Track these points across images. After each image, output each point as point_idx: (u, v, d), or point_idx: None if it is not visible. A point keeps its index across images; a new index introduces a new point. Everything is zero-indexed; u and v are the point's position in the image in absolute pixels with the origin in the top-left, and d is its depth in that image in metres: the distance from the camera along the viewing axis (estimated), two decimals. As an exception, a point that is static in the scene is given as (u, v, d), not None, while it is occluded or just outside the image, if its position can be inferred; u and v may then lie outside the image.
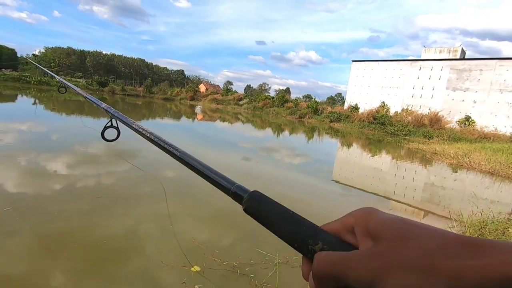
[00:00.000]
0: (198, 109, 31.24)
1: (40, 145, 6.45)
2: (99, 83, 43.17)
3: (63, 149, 6.21)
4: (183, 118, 19.80)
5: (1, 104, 15.41)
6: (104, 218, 3.18)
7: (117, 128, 0.84)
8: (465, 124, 24.73)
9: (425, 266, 0.19)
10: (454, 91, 26.57)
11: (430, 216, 4.73)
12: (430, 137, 20.94)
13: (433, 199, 5.87)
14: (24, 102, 17.97)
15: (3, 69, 43.86)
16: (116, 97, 34.84)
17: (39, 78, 39.08)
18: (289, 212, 0.33)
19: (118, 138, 0.85)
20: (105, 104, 0.88)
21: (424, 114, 24.72)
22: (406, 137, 21.66)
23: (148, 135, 0.59)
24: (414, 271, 0.19)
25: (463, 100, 26.12)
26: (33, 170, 4.55)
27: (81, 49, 72.91)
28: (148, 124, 13.92)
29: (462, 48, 28.27)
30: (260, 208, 0.35)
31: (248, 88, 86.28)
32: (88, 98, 1.07)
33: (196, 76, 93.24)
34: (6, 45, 62.96)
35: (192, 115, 23.17)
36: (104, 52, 76.87)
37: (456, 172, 9.01)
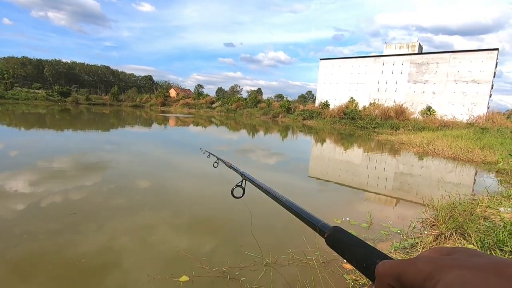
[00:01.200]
0: (172, 117, 30.52)
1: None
2: (60, 93, 40.75)
3: (24, 165, 5.76)
4: (155, 125, 19.24)
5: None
6: (80, 235, 2.99)
7: (243, 189, 1.01)
8: (426, 114, 26.41)
9: (489, 268, 0.21)
10: (415, 83, 28.28)
11: (402, 203, 4.98)
12: (396, 128, 22.08)
13: (403, 186, 6.18)
14: (-25, 118, 16.48)
15: None
16: (80, 107, 33.05)
17: (-9, 91, 36.13)
18: (362, 242, 0.39)
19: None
20: (242, 169, 1.09)
21: (390, 106, 26.05)
22: (375, 130, 22.66)
23: (273, 193, 0.76)
24: (477, 270, 0.21)
25: (423, 92, 27.87)
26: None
27: (38, 58, 68.58)
28: (118, 133, 13.35)
29: (419, 43, 30.16)
30: (338, 239, 0.43)
31: (220, 90, 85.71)
32: (232, 167, 1.26)
33: (166, 81, 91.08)
34: (-51, 57, 57.49)
35: (164, 121, 22.58)
36: (64, 61, 72.81)
37: (423, 159, 9.58)
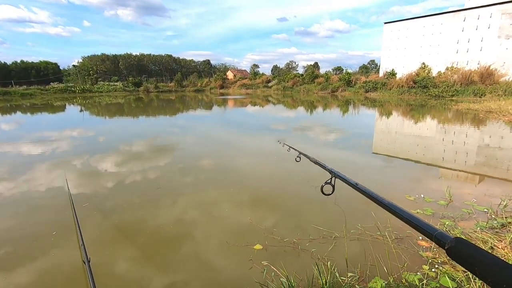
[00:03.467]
0: (230, 98, 31.53)
1: (97, 147, 7.07)
2: (134, 84, 45.44)
3: (111, 149, 6.74)
4: (215, 108, 20.19)
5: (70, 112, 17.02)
6: (167, 207, 3.46)
7: (333, 186, 1.01)
8: (524, 75, 21.88)
9: None
10: (508, 39, 23.43)
11: (488, 180, 4.37)
12: (482, 95, 19.00)
13: (489, 162, 5.38)
14: (73, 110, 19.63)
15: (51, 83, 48.04)
16: (151, 95, 36.47)
17: (82, 87, 42.26)
18: (501, 260, 0.36)
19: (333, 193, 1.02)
20: (329, 166, 1.10)
21: (473, 70, 22.34)
22: (453, 98, 19.87)
23: (363, 189, 0.76)
24: None
25: (520, 48, 22.99)
26: (93, 170, 5.03)
27: (114, 54, 76.76)
28: (183, 117, 14.45)
29: (515, -12, 24.54)
30: (465, 253, 0.40)
31: (275, 68, 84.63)
32: (318, 163, 1.34)
33: (222, 64, 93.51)
34: (50, 61, 68.71)
35: (223, 103, 23.51)
36: (134, 54, 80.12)
37: (517, 129, 8.10)
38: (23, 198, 3.82)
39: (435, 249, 2.32)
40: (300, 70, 69.31)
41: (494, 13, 23.91)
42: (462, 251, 0.40)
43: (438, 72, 25.72)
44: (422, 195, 3.47)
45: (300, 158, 1.66)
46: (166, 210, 3.35)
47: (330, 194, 1.00)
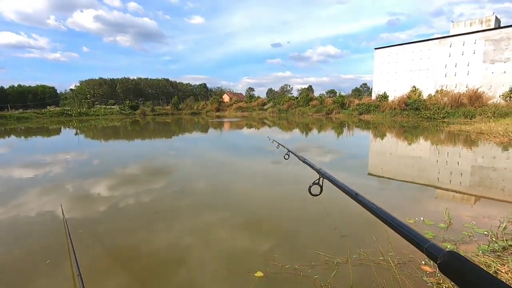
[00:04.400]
0: (226, 121, 31.79)
1: (88, 170, 6.97)
2: (130, 107, 45.78)
3: (105, 173, 6.65)
4: (211, 130, 20.30)
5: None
6: (164, 232, 3.37)
7: (321, 186, 0.99)
8: (510, 97, 22.64)
9: None
10: (493, 63, 24.50)
11: (484, 200, 4.38)
12: (472, 117, 19.49)
13: (484, 182, 5.42)
14: (69, 133, 19.54)
15: (48, 107, 48.22)
16: (147, 118, 36.67)
17: (78, 110, 42.44)
18: (491, 276, 0.34)
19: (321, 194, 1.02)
20: (317, 166, 1.10)
21: (462, 92, 23.07)
22: (445, 120, 20.32)
23: (354, 194, 0.73)
24: None
25: (504, 72, 23.99)
26: (87, 194, 4.93)
27: (111, 78, 78.03)
28: (179, 140, 14.47)
29: (496, 17, 26.08)
30: (459, 269, 0.36)
31: (270, 91, 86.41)
32: (306, 162, 1.32)
33: (219, 87, 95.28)
34: (47, 85, 69.48)
35: (219, 126, 23.69)
36: (131, 78, 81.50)
37: (508, 150, 8.25)
38: (13, 224, 3.70)
39: (439, 274, 2.27)
40: (295, 93, 70.88)
41: (478, 39, 25.16)
42: (455, 266, 0.37)
43: (429, 95, 26.51)
44: (422, 218, 3.45)
45: (288, 155, 1.69)
46: (163, 236, 3.26)
47: (318, 195, 0.99)
